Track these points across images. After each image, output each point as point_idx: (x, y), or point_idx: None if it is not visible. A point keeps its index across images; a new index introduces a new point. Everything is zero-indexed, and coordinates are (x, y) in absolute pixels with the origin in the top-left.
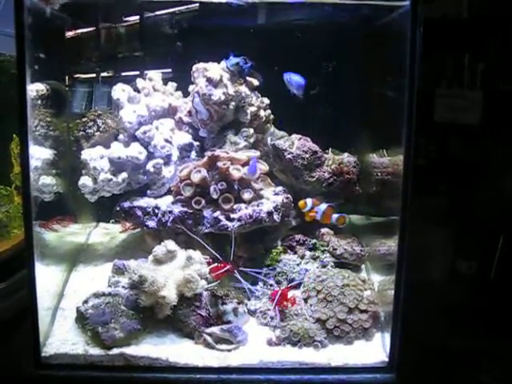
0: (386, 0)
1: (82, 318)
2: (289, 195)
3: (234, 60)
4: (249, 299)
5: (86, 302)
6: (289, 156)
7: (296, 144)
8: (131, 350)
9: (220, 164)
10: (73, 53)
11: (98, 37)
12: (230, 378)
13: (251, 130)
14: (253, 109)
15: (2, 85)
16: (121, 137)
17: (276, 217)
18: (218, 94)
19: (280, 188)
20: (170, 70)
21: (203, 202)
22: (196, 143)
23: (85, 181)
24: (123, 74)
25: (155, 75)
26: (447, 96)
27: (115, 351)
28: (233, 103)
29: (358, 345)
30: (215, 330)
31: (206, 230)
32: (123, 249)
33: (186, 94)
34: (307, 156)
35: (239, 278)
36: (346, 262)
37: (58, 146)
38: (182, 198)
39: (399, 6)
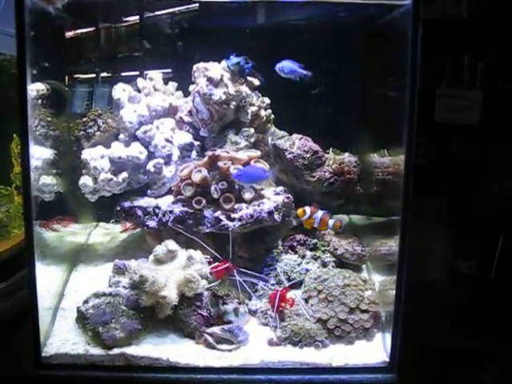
0: None
1: (82, 318)
2: (289, 195)
3: (234, 60)
4: (250, 299)
5: (86, 301)
6: (289, 156)
7: (297, 144)
8: (132, 350)
9: (221, 164)
10: (73, 52)
11: (98, 36)
12: (231, 378)
13: (252, 130)
14: (253, 108)
15: (3, 84)
16: (121, 136)
17: (277, 216)
18: (218, 94)
19: (281, 188)
20: (170, 70)
21: (204, 201)
22: (197, 143)
23: (85, 180)
24: (123, 73)
25: (156, 75)
26: (447, 96)
27: (116, 351)
28: (233, 103)
29: (359, 345)
30: (216, 330)
31: (207, 230)
32: (124, 249)
33: (186, 94)
34: (308, 156)
35: (237, 277)
36: (346, 262)
37: (58, 145)
38: (183, 197)
39: (400, 5)
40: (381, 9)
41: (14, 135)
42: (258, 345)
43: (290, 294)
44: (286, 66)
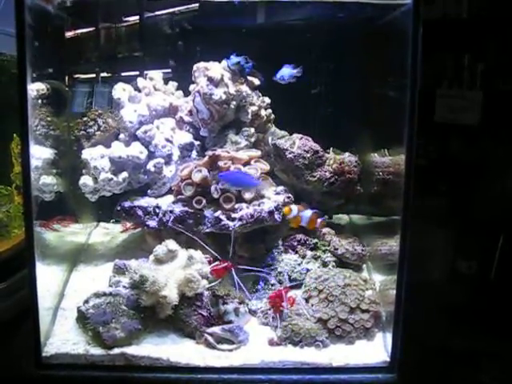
0: None
1: (82, 318)
2: (290, 195)
3: (234, 59)
4: (250, 299)
5: (86, 301)
6: (290, 155)
7: (297, 143)
8: (132, 350)
9: (221, 163)
10: (73, 52)
11: (98, 36)
12: (232, 378)
13: (252, 130)
14: (254, 108)
15: (3, 84)
16: (121, 136)
17: (277, 216)
18: (218, 94)
19: (281, 187)
20: (170, 70)
21: (204, 201)
22: (197, 142)
23: (85, 180)
24: (124, 73)
25: (156, 74)
26: (447, 96)
27: (116, 351)
28: (234, 102)
29: (360, 345)
30: (216, 329)
31: (207, 230)
32: (124, 248)
33: (186, 94)
34: (308, 155)
35: (235, 276)
36: (347, 262)
37: (58, 145)
38: (183, 197)
39: (400, 5)
40: (381, 8)
41: (14, 135)
42: (258, 345)
43: (291, 294)
44: (286, 74)
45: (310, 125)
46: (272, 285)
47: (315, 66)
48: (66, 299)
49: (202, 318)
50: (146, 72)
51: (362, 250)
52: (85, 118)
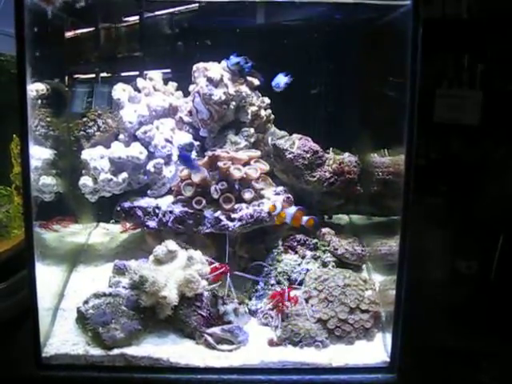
0: None
1: (82, 319)
2: (290, 195)
3: (234, 59)
4: (250, 299)
5: (86, 302)
6: (290, 156)
7: (297, 144)
8: (132, 351)
9: (220, 164)
10: (73, 52)
11: (98, 37)
12: (231, 379)
13: (252, 130)
14: (253, 108)
15: (2, 85)
16: (121, 137)
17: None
18: (218, 94)
19: (281, 188)
20: (170, 70)
21: (204, 201)
22: (196, 143)
23: (85, 181)
24: (123, 73)
25: (156, 75)
26: (447, 96)
27: (116, 351)
28: (233, 103)
29: (360, 345)
30: (216, 330)
31: (207, 230)
32: (124, 249)
33: (186, 94)
34: (308, 156)
35: (229, 281)
36: (347, 262)
37: (58, 145)
38: (183, 197)
39: (400, 6)
40: (381, 9)
41: (14, 135)
42: (258, 345)
43: (293, 294)
44: (281, 81)
45: (309, 125)
46: (272, 285)
47: (315, 67)
48: (66, 300)
49: (202, 318)
50: (145, 72)
51: (362, 251)
52: (84, 119)
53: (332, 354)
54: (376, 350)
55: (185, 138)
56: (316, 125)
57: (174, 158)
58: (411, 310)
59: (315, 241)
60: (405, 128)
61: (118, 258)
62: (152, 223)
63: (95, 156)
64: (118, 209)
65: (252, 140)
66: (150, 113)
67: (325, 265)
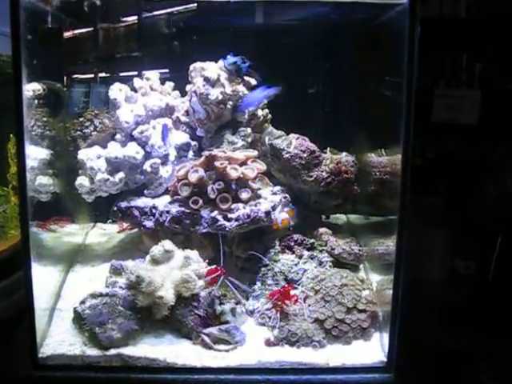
0: None
1: (79, 319)
2: (287, 195)
3: (231, 59)
4: (247, 299)
5: (83, 302)
6: (287, 155)
7: (294, 143)
8: (129, 351)
9: (217, 164)
10: (70, 52)
11: (95, 36)
12: (228, 379)
13: (249, 130)
14: (250, 108)
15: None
16: (118, 136)
17: (274, 216)
18: (215, 94)
19: (278, 188)
20: (167, 70)
21: (201, 201)
22: (193, 143)
23: (82, 181)
24: (120, 73)
25: (152, 75)
26: (445, 96)
27: (112, 352)
28: (230, 102)
29: (357, 345)
30: (213, 330)
31: (204, 230)
32: (121, 249)
33: (183, 94)
34: (305, 155)
35: (228, 283)
36: (344, 262)
37: (54, 145)
38: (180, 197)
39: (397, 4)
40: (377, 8)
41: (11, 135)
42: (255, 345)
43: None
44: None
45: (307, 125)
46: (269, 285)
47: (312, 66)
48: (63, 300)
49: (199, 318)
50: (142, 72)
51: (359, 250)
52: (81, 119)
53: (329, 354)
54: (373, 349)
55: (182, 137)
56: (313, 124)
57: (171, 157)
58: (409, 310)
59: (312, 241)
60: (402, 128)
61: (115, 258)
62: (149, 223)
63: (92, 156)
64: (115, 209)
65: (249, 140)
66: (147, 113)
67: (322, 265)
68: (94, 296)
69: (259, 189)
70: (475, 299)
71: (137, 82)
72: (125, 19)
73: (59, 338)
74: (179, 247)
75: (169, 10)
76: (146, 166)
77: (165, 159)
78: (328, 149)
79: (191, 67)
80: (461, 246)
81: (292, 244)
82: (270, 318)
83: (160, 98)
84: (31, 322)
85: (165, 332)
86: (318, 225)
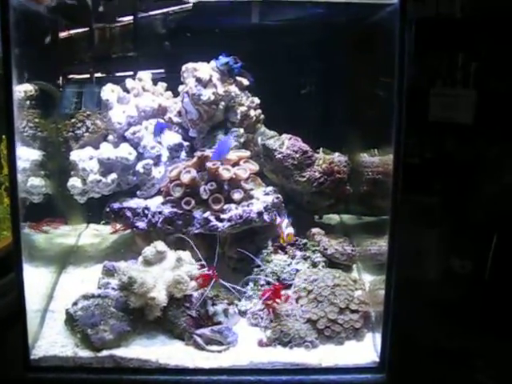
0: None
1: (71, 320)
2: (279, 195)
3: (223, 60)
4: (239, 300)
5: (75, 303)
6: (279, 156)
7: (286, 144)
8: (121, 352)
9: (210, 164)
10: (62, 53)
11: (87, 37)
12: (221, 380)
13: (241, 130)
14: (243, 109)
15: None
16: (110, 137)
17: (266, 217)
18: (207, 94)
19: (270, 188)
20: (160, 70)
21: (193, 202)
22: (186, 143)
23: (74, 182)
24: (112, 74)
25: (145, 75)
26: (441, 95)
27: (105, 353)
28: (222, 103)
29: (349, 345)
30: (205, 331)
31: (196, 231)
32: (114, 250)
33: (176, 94)
34: (297, 156)
35: (224, 283)
36: (337, 262)
37: (46, 147)
38: (172, 198)
39: (388, 4)
40: (368, 8)
41: (3, 136)
42: (247, 346)
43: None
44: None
45: (299, 125)
46: (261, 285)
47: (304, 67)
48: (55, 301)
49: (191, 319)
50: (135, 72)
51: (352, 250)
52: (73, 120)
53: (322, 355)
54: (366, 350)
55: (174, 138)
56: (306, 125)
57: (164, 158)
58: (403, 310)
59: (305, 241)
60: (393, 128)
61: (108, 259)
62: (141, 224)
63: (84, 157)
64: (108, 210)
65: (241, 140)
66: (139, 113)
67: (315, 265)
68: (86, 297)
69: (252, 189)
70: (471, 298)
71: (129, 82)
72: (117, 20)
73: (51, 340)
74: (172, 248)
75: (162, 11)
76: (139, 167)
77: (157, 160)
78: (321, 149)
79: (183, 68)
80: (457, 245)
81: (285, 244)
82: (262, 318)
83: (152, 99)
84: (23, 324)
85: (157, 333)
86: (311, 225)
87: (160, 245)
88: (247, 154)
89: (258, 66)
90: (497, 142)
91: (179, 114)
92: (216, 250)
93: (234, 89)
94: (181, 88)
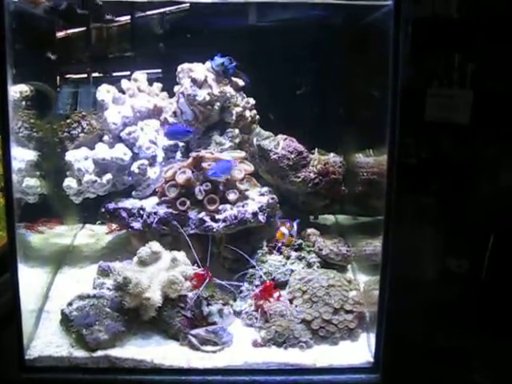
0: None
1: (66, 321)
2: (274, 196)
3: (218, 60)
4: (234, 300)
5: (70, 304)
6: (274, 156)
7: (281, 144)
8: (116, 352)
9: (205, 165)
10: (58, 54)
11: (83, 38)
12: (215, 380)
13: (236, 131)
14: (238, 109)
15: None
16: (105, 138)
17: (261, 217)
18: (202, 95)
19: (265, 188)
20: (155, 71)
21: (188, 202)
22: (181, 144)
23: (69, 182)
24: (108, 75)
25: (140, 76)
26: (438, 95)
27: (100, 353)
28: (218, 104)
29: (344, 345)
30: (200, 331)
31: (191, 231)
32: (109, 250)
33: (172, 95)
34: (293, 156)
35: (219, 281)
36: (332, 263)
37: (42, 147)
38: (167, 199)
39: (383, 6)
40: (364, 9)
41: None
42: (242, 346)
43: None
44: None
45: (294, 125)
46: (256, 286)
47: (299, 67)
48: (50, 301)
49: (186, 319)
50: (130, 73)
51: (347, 251)
52: (68, 120)
53: (316, 355)
54: (360, 350)
55: None
56: (301, 125)
57: (159, 159)
58: (399, 310)
59: (300, 241)
60: (387, 128)
61: (103, 259)
62: (136, 224)
63: (79, 157)
64: (103, 210)
65: (237, 141)
66: (135, 114)
67: (310, 265)
68: (81, 297)
69: (247, 190)
70: (468, 298)
71: (124, 83)
72: (113, 20)
73: (46, 340)
74: (167, 248)
75: (157, 11)
76: (134, 168)
77: (152, 160)
78: (316, 149)
79: (179, 68)
80: (454, 245)
81: (280, 245)
82: (257, 318)
83: (148, 100)
84: (18, 324)
85: (152, 333)
86: (306, 225)
87: (155, 245)
88: (242, 154)
89: (253, 67)
90: (493, 142)
91: (174, 114)
92: (209, 250)
93: (229, 89)
94: (176, 88)
